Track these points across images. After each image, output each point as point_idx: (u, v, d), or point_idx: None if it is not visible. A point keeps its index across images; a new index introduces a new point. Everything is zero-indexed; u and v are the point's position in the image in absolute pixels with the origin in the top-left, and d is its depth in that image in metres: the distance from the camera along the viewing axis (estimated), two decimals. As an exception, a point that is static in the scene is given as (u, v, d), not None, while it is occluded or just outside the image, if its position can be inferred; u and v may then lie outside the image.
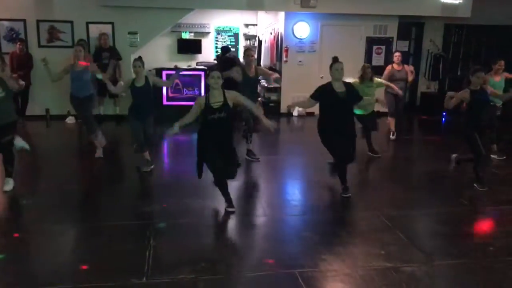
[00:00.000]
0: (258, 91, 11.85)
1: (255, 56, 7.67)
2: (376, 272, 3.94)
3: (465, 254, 4.32)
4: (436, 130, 10.64)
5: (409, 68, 8.90)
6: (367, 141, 7.66)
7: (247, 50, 7.39)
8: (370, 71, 7.52)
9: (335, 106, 5.54)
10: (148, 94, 6.39)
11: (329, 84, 5.62)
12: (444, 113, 11.44)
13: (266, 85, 11.41)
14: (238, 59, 10.01)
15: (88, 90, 6.99)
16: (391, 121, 8.84)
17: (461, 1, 10.51)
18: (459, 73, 12.50)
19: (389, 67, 8.73)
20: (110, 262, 4.03)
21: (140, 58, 6.38)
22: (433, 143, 9.20)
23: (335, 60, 5.63)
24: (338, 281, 3.81)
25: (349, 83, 5.82)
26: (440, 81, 12.21)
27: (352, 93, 5.67)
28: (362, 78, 7.46)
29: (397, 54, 8.78)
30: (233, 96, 5.10)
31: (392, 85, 8.07)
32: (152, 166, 6.64)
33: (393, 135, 8.85)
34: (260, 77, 7.70)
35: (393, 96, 8.35)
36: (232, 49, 11.70)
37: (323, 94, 5.61)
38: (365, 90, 7.13)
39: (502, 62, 7.59)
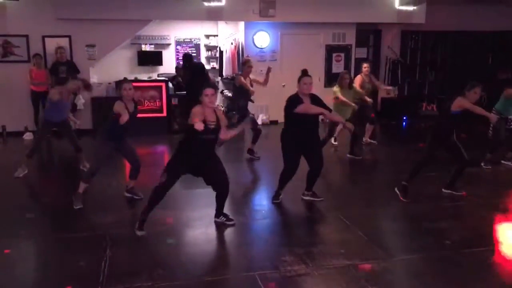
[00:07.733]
0: (222, 100, 11.90)
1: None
2: (336, 271, 3.93)
3: (423, 248, 4.37)
4: (396, 134, 10.85)
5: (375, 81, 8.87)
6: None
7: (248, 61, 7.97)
8: (347, 77, 7.77)
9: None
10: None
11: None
12: (404, 118, 11.71)
13: (229, 94, 11.39)
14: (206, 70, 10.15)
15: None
16: (369, 129, 8.88)
17: (415, 7, 10.82)
18: (417, 78, 12.88)
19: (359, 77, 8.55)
20: (65, 272, 3.90)
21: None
22: (393, 145, 9.37)
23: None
24: (298, 281, 3.79)
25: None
26: (399, 86, 12.50)
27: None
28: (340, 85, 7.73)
29: (365, 65, 8.63)
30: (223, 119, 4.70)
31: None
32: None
33: (366, 141, 8.92)
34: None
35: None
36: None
37: None
38: (346, 96, 7.62)
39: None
